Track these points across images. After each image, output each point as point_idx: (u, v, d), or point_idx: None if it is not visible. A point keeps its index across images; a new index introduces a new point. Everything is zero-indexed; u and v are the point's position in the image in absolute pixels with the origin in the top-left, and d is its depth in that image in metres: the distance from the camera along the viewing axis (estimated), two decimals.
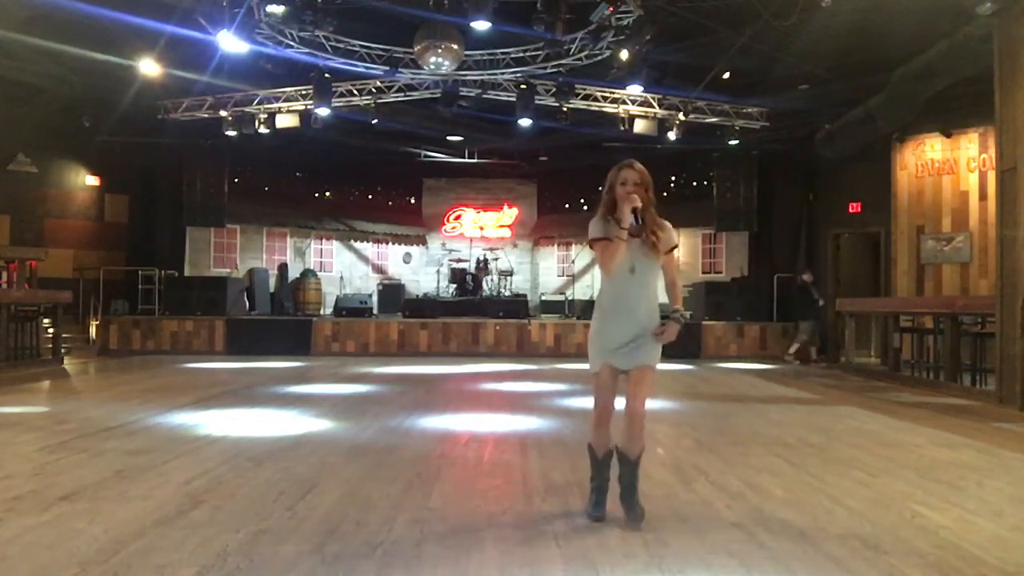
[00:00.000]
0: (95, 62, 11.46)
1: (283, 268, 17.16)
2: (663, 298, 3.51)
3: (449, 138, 16.82)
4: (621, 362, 3.40)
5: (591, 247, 3.48)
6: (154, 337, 13.30)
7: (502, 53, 12.13)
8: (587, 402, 7.56)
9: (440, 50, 10.92)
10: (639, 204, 3.32)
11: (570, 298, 16.31)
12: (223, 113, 13.76)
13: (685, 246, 16.22)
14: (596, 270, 17.53)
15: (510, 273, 17.29)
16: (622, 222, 3.30)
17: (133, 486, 3.98)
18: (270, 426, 5.96)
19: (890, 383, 9.75)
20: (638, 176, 3.38)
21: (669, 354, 3.70)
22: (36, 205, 14.42)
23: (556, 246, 19.32)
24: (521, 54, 12.12)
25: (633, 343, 3.38)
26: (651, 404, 7.84)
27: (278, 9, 9.63)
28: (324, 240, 18.23)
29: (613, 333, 3.39)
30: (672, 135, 13.56)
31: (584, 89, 13.26)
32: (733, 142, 13.97)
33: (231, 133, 13.96)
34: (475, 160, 18.27)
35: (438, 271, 17.39)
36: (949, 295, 11.08)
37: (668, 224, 3.46)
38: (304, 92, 13.43)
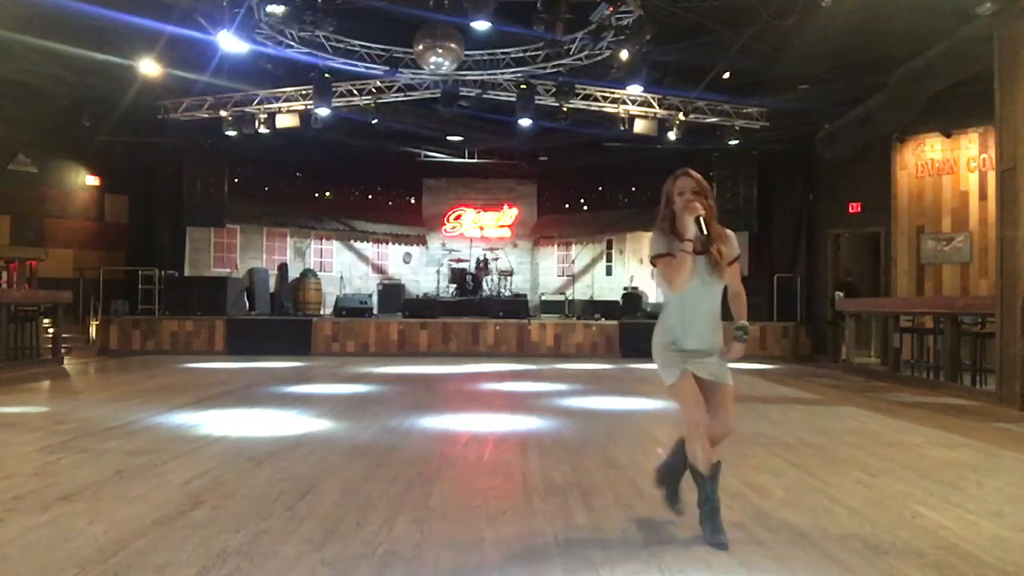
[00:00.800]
0: (95, 62, 11.44)
1: (283, 268, 17.15)
2: None
3: (449, 138, 16.81)
4: (701, 371, 3.21)
5: (653, 264, 3.24)
6: (154, 337, 13.30)
7: (502, 53, 12.12)
8: (588, 402, 7.61)
9: (440, 50, 10.91)
10: (703, 212, 3.11)
11: (570, 298, 16.30)
12: (223, 113, 13.75)
13: None
14: (596, 270, 17.81)
15: (510, 273, 17.28)
16: (686, 233, 3.09)
17: (133, 486, 3.98)
18: (270, 426, 5.96)
19: (890, 383, 9.74)
20: (696, 184, 3.19)
21: None
22: (36, 205, 14.41)
23: (556, 246, 19.32)
24: (521, 54, 12.11)
25: (710, 356, 3.22)
26: (651, 404, 7.83)
27: (278, 9, 9.62)
28: (324, 240, 18.22)
29: (686, 342, 3.20)
30: (672, 135, 13.55)
31: (584, 89, 13.24)
32: (733, 142, 13.96)
33: (231, 133, 13.95)
34: (475, 160, 18.26)
35: (438, 271, 17.40)
36: (949, 295, 11.08)
37: (731, 233, 3.28)
38: (304, 92, 13.42)
